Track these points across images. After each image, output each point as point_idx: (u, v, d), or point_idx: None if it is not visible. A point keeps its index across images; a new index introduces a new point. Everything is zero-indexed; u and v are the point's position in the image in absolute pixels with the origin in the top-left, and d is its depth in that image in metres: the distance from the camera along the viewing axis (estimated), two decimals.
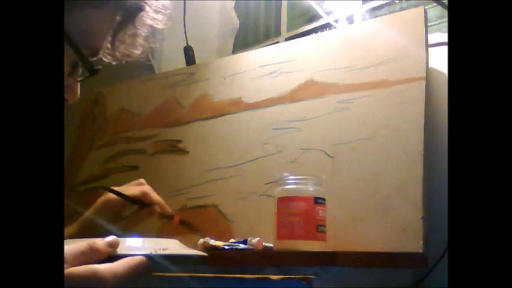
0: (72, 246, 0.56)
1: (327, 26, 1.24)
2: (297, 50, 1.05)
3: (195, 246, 0.82)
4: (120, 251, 0.61)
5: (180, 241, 0.72)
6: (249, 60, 1.12)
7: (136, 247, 0.64)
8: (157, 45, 0.75)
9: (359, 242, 0.81)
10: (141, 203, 0.88)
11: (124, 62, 0.71)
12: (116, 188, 0.87)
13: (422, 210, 0.78)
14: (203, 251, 0.79)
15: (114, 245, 0.60)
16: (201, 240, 0.82)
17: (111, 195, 0.86)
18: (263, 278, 0.65)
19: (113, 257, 0.59)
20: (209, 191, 1.04)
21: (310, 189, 0.76)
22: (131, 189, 0.88)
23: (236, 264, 0.72)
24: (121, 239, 0.63)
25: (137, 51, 0.73)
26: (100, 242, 0.59)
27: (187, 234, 0.92)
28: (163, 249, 0.65)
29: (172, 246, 0.68)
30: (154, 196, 0.89)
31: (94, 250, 0.57)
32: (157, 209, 0.89)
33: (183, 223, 0.94)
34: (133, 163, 1.20)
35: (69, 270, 0.53)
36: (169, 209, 0.91)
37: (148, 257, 0.61)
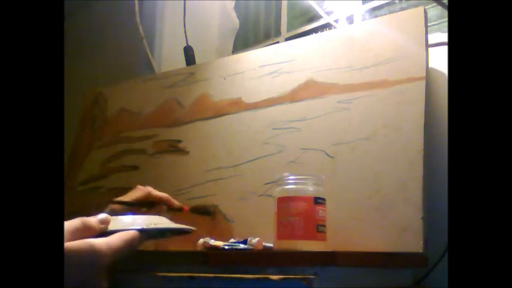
0: (67, 223, 0.58)
1: (327, 26, 1.24)
2: (297, 50, 1.05)
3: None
4: (112, 227, 0.64)
5: None
6: (249, 60, 1.12)
7: (128, 223, 0.67)
8: None
9: (359, 242, 0.81)
10: (147, 203, 0.88)
11: None
12: (118, 198, 0.87)
13: (422, 210, 0.78)
14: (203, 251, 0.79)
15: (105, 222, 0.63)
16: (201, 240, 0.82)
17: (115, 205, 0.85)
18: (263, 278, 0.65)
19: (105, 233, 0.62)
20: (209, 191, 1.04)
21: (310, 189, 0.76)
22: (133, 193, 0.88)
23: (236, 264, 0.72)
24: (113, 217, 0.66)
25: None
26: (92, 219, 0.62)
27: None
28: (154, 224, 0.69)
29: (162, 221, 0.72)
30: (158, 193, 0.89)
31: (87, 226, 0.60)
32: (165, 205, 0.89)
33: (195, 210, 0.93)
34: (133, 163, 1.20)
35: (66, 244, 0.55)
36: (176, 202, 0.91)
37: (141, 231, 0.64)
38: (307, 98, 0.98)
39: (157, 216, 0.73)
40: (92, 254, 0.57)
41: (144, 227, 0.66)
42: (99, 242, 0.58)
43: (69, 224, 0.59)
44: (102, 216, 0.63)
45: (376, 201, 0.83)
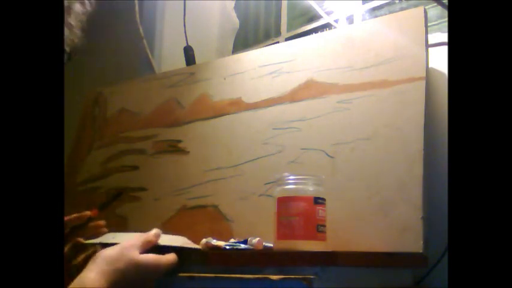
0: (136, 237, 0.75)
1: (327, 26, 1.24)
2: (297, 50, 1.05)
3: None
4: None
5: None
6: (249, 60, 1.12)
7: (173, 239, 0.79)
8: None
9: (359, 242, 0.81)
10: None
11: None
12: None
13: (422, 210, 0.78)
14: (203, 251, 0.79)
15: (158, 236, 0.77)
16: (204, 241, 0.83)
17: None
18: (263, 278, 0.65)
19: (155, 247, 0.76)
20: (209, 191, 1.04)
21: (310, 189, 0.76)
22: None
23: (236, 264, 0.72)
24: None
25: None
26: (151, 234, 0.76)
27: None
28: (187, 244, 0.80)
29: (187, 242, 0.82)
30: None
31: (149, 240, 0.75)
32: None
33: (105, 205, 0.94)
34: (133, 163, 1.20)
35: (147, 256, 0.73)
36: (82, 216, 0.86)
37: (183, 250, 0.77)
38: (307, 98, 0.98)
39: (179, 236, 0.83)
40: (158, 269, 0.72)
41: (185, 246, 0.79)
42: (166, 259, 0.74)
43: (138, 240, 0.73)
44: (156, 230, 0.77)
45: (376, 201, 0.83)
